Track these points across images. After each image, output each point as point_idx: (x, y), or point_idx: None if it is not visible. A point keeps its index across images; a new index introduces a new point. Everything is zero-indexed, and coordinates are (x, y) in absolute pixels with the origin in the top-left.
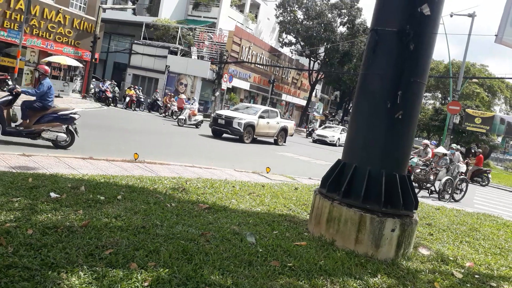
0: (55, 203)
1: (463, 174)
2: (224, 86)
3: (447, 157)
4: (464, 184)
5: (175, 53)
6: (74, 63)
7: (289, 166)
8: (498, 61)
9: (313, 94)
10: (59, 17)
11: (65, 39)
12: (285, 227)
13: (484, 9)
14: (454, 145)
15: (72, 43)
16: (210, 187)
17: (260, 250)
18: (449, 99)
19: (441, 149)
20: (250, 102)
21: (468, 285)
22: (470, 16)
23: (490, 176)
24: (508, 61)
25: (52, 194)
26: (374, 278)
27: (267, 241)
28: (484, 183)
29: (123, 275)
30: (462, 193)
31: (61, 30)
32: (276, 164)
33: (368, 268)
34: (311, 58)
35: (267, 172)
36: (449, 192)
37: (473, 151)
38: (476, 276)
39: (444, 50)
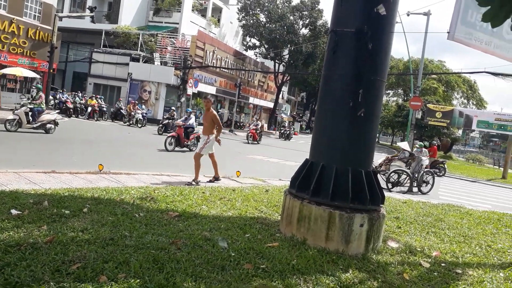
0: (17, 220)
1: (427, 167)
2: (190, 91)
3: (406, 152)
4: (430, 177)
5: (137, 60)
6: (31, 74)
7: (259, 169)
8: (454, 57)
9: (280, 96)
10: (13, 27)
11: (20, 50)
12: (257, 230)
13: (439, 7)
14: (419, 143)
15: (28, 54)
16: (179, 194)
17: (233, 254)
18: (410, 95)
19: (403, 145)
20: (217, 107)
21: (435, 273)
22: (426, 14)
23: (446, 166)
24: (463, 56)
25: (13, 211)
26: (346, 274)
27: (240, 245)
28: (440, 174)
29: None
30: (429, 185)
31: (15, 40)
32: (246, 167)
33: (340, 264)
34: (276, 61)
35: (237, 176)
36: (404, 184)
37: (427, 143)
38: (443, 264)
39: (403, 48)
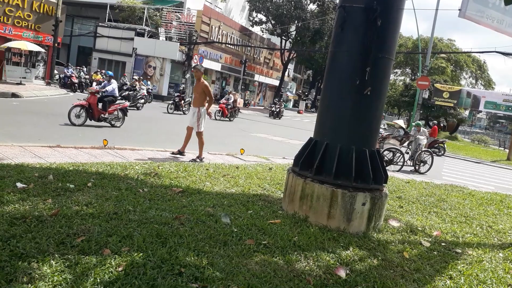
0: (22, 193)
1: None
2: None
3: (401, 130)
4: (428, 157)
5: (142, 35)
6: (36, 48)
7: (263, 147)
8: (465, 35)
9: (286, 73)
10: (17, 0)
11: (25, 23)
12: (259, 207)
13: None
14: (416, 122)
15: (32, 27)
16: (183, 170)
17: (235, 230)
18: (418, 74)
19: (399, 122)
20: (222, 84)
21: (435, 252)
22: None
23: (445, 146)
24: (474, 35)
25: (19, 184)
26: (346, 251)
27: (242, 221)
28: (440, 153)
29: (96, 261)
30: (427, 165)
31: (19, 13)
32: (250, 145)
33: (341, 242)
34: (283, 37)
35: (241, 154)
36: (398, 163)
37: (430, 123)
38: (443, 244)
39: (412, 26)
